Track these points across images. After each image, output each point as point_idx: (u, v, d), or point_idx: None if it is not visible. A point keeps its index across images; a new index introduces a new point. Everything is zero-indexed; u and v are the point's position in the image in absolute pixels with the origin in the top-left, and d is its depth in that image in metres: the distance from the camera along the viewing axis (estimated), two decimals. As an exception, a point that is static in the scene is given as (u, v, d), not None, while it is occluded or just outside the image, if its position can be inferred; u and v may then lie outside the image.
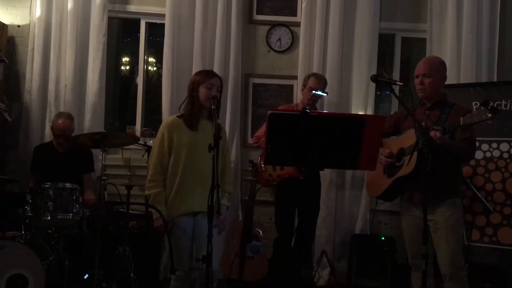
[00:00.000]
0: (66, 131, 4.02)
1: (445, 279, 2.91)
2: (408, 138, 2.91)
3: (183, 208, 2.92)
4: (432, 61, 3.09)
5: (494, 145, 3.99)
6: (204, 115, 3.00)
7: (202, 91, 2.92)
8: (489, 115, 2.48)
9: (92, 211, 3.76)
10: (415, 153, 2.76)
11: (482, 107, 2.53)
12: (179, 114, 3.04)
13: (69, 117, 4.11)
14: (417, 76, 3.02)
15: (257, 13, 4.86)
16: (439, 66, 3.05)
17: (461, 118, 2.65)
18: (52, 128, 4.14)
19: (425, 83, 2.97)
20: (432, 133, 2.66)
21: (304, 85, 4.09)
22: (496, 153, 4.00)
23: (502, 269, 4.00)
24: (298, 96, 4.62)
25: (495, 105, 2.52)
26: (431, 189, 2.72)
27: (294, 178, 3.92)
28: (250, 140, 4.69)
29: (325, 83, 4.16)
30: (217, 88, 2.95)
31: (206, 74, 3.00)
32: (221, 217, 2.83)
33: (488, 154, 4.02)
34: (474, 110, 2.61)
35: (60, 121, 4.04)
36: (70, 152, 4.07)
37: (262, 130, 4.15)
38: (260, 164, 4.07)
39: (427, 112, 3.02)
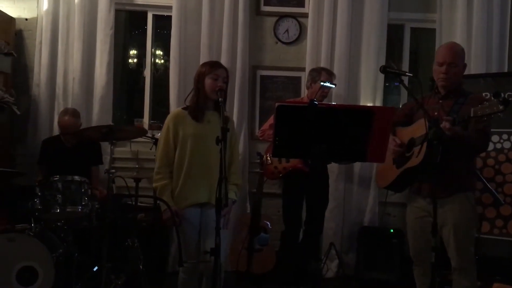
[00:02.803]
0: (72, 128, 4.00)
1: (455, 272, 2.87)
2: (419, 128, 2.81)
3: (189, 200, 2.93)
4: (457, 48, 2.94)
5: (505, 136, 3.95)
6: (210, 107, 2.98)
7: (208, 82, 2.91)
8: (501, 107, 2.39)
9: (101, 203, 3.78)
10: (425, 144, 2.69)
11: (493, 99, 2.45)
12: (185, 106, 3.03)
13: (74, 114, 4.07)
14: (441, 64, 2.87)
15: (264, 4, 4.83)
16: (463, 54, 2.93)
17: (471, 109, 2.55)
18: (58, 124, 4.14)
19: (450, 73, 2.85)
20: (442, 125, 2.59)
21: (313, 80, 4.02)
22: (506, 145, 3.95)
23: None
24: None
25: (506, 96, 2.46)
26: (441, 182, 2.68)
27: (300, 170, 3.90)
28: (258, 133, 4.67)
29: (335, 77, 4.14)
30: (223, 79, 2.93)
31: (212, 65, 2.98)
32: (225, 210, 2.76)
33: (498, 146, 3.98)
34: (485, 102, 2.54)
35: (66, 118, 4.02)
36: (78, 146, 4.07)
37: (267, 124, 4.14)
38: (266, 157, 4.05)
39: (440, 101, 2.92)
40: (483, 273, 2.93)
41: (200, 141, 2.92)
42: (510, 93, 3.95)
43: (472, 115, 2.55)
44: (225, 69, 3.01)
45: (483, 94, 3.90)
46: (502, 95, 2.45)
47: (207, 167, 2.90)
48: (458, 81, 2.92)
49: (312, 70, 4.14)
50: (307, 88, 4.12)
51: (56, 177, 3.46)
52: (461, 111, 2.76)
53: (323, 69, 4.12)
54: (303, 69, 4.71)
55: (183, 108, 3.02)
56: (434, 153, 2.49)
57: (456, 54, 2.89)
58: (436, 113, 2.83)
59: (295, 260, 4.03)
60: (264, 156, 4.06)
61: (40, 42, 4.65)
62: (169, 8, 4.68)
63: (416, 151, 2.79)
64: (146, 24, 5.00)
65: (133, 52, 5.46)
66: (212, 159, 2.81)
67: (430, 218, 2.69)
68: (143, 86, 5.06)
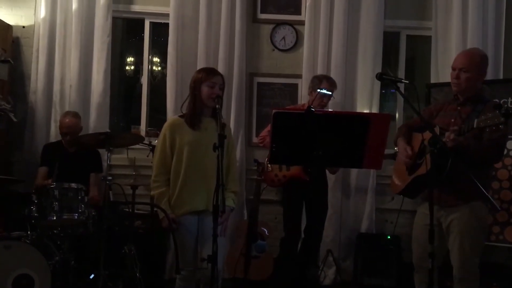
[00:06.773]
0: (73, 128, 4.06)
1: (455, 280, 2.85)
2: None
3: (186, 207, 2.92)
4: (473, 54, 2.89)
5: (501, 143, 3.95)
6: (207, 114, 2.99)
7: (204, 90, 2.92)
8: (502, 119, 2.39)
9: (97, 211, 3.77)
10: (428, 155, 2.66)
11: (496, 111, 2.43)
12: (181, 114, 3.04)
13: (75, 115, 4.16)
14: (454, 69, 2.84)
15: (261, 12, 4.85)
16: (479, 61, 2.85)
17: (475, 120, 2.54)
18: (59, 127, 4.16)
19: (461, 78, 2.81)
20: (446, 134, 2.59)
21: (314, 88, 3.99)
22: (503, 151, 3.96)
23: (509, 268, 3.98)
24: (303, 95, 4.61)
25: (504, 105, 2.45)
26: (450, 190, 2.68)
27: (300, 178, 3.89)
28: (255, 139, 4.68)
29: (336, 88, 4.10)
30: (219, 86, 2.94)
31: (208, 72, 2.99)
32: (223, 217, 2.78)
33: (494, 152, 3.98)
34: (488, 114, 2.53)
35: (67, 120, 4.08)
36: (79, 152, 4.07)
37: (265, 130, 4.13)
38: (267, 163, 4.05)
39: (458, 108, 2.88)
40: (480, 279, 2.91)
41: (197, 149, 2.92)
42: (506, 100, 3.97)
43: (475, 126, 2.54)
44: (221, 76, 3.01)
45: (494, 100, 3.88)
46: (505, 107, 2.44)
47: (204, 175, 2.90)
48: (471, 87, 2.85)
49: (314, 78, 4.11)
50: (308, 95, 4.11)
51: (53, 185, 3.46)
52: (469, 120, 2.70)
53: (325, 77, 4.08)
54: (299, 76, 4.73)
55: (180, 116, 3.03)
56: (441, 163, 2.48)
57: (469, 60, 2.84)
58: (452, 120, 2.79)
59: (293, 267, 4.01)
60: (265, 163, 4.05)
61: (37, 50, 4.65)
62: (166, 15, 4.70)
63: (426, 160, 2.76)
64: (143, 32, 5.02)
65: (130, 59, 5.47)
66: (209, 167, 2.82)
67: (436, 225, 2.68)
68: (140, 93, 5.07)
